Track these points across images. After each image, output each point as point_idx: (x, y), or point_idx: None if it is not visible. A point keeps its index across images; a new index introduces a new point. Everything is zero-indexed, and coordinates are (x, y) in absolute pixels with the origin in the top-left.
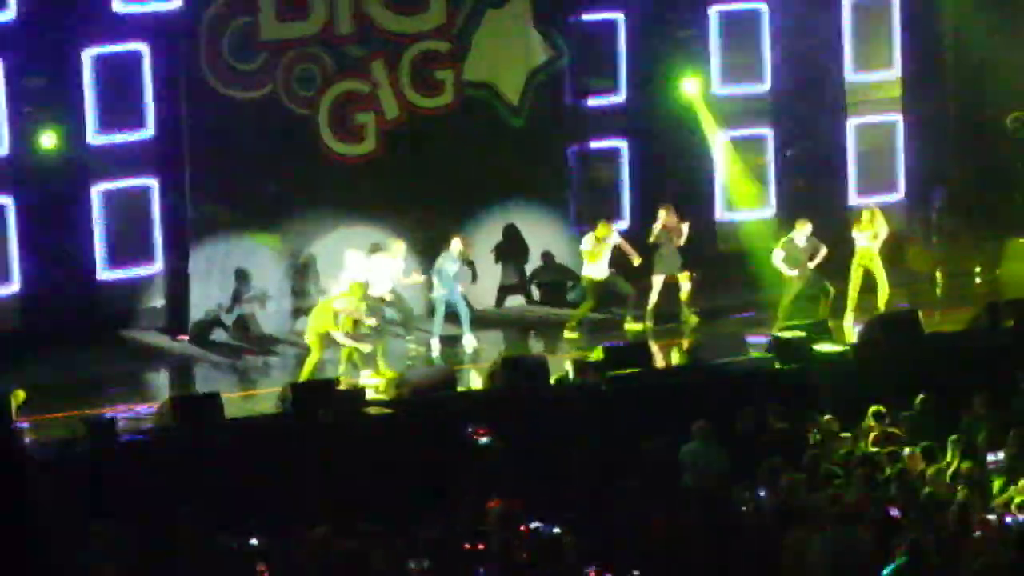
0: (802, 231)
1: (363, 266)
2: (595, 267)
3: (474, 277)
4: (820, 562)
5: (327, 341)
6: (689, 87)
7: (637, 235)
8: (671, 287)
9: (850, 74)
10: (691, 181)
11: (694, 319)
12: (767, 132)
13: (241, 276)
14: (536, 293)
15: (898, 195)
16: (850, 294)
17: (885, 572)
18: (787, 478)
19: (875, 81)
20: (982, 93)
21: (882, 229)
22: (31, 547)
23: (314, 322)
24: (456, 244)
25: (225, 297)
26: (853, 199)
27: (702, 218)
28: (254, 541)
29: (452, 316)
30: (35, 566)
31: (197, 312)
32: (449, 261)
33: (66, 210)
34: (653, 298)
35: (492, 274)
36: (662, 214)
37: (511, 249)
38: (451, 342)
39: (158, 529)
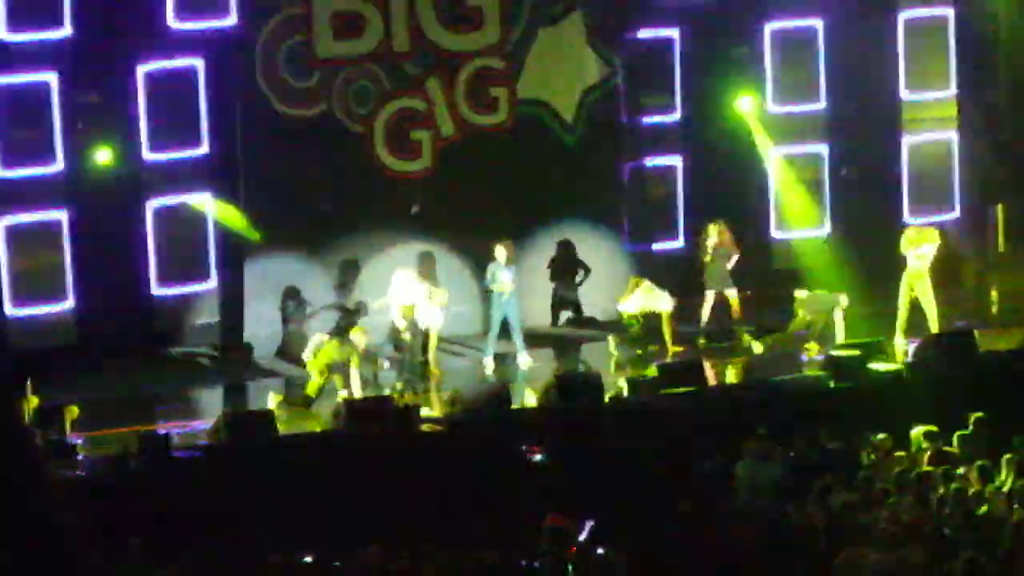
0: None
1: (411, 287)
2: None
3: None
4: None
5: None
6: (744, 105)
7: (689, 252)
8: (722, 305)
9: (905, 92)
10: (745, 198)
11: (757, 344)
12: (823, 150)
13: (290, 294)
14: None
15: (953, 213)
16: (902, 314)
17: None
18: (840, 497)
19: (931, 98)
20: None
21: (932, 246)
22: (73, 564)
23: (326, 355)
24: (502, 251)
25: (276, 314)
26: (908, 217)
27: (756, 236)
28: (308, 559)
29: (505, 334)
30: None
31: (251, 329)
32: (500, 270)
33: (120, 226)
34: (705, 315)
35: (547, 291)
36: (715, 230)
37: (566, 266)
38: (505, 360)
39: (211, 546)
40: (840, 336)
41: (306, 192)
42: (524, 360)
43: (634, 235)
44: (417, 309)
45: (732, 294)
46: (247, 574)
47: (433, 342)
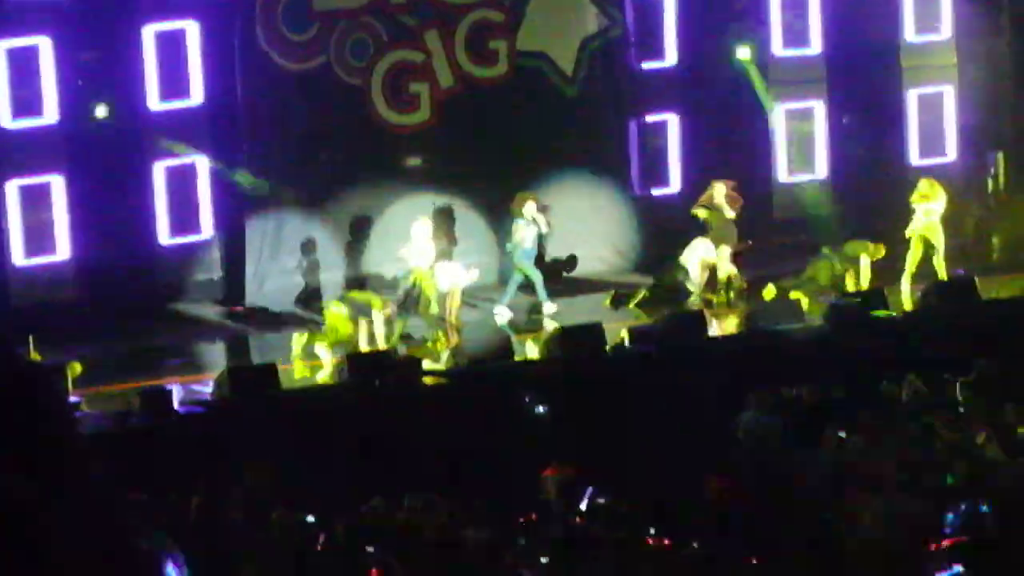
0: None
1: (427, 241)
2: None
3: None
4: (876, 527)
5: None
6: (741, 52)
7: (690, 201)
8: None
9: (905, 39)
10: (747, 148)
11: (768, 289)
12: (821, 98)
13: (306, 248)
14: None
15: (951, 158)
16: (910, 261)
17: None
18: (845, 445)
19: (930, 44)
20: None
21: (941, 202)
22: (76, 521)
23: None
24: (530, 207)
25: (276, 268)
26: (911, 163)
27: (758, 185)
28: (310, 518)
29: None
30: (80, 541)
31: (251, 284)
32: (526, 228)
33: (121, 183)
34: (722, 272)
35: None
36: (721, 188)
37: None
38: (528, 310)
39: (214, 503)
40: (865, 284)
41: (305, 146)
42: (549, 309)
43: (636, 185)
44: (435, 273)
45: (726, 250)
46: (247, 531)
47: (456, 304)
